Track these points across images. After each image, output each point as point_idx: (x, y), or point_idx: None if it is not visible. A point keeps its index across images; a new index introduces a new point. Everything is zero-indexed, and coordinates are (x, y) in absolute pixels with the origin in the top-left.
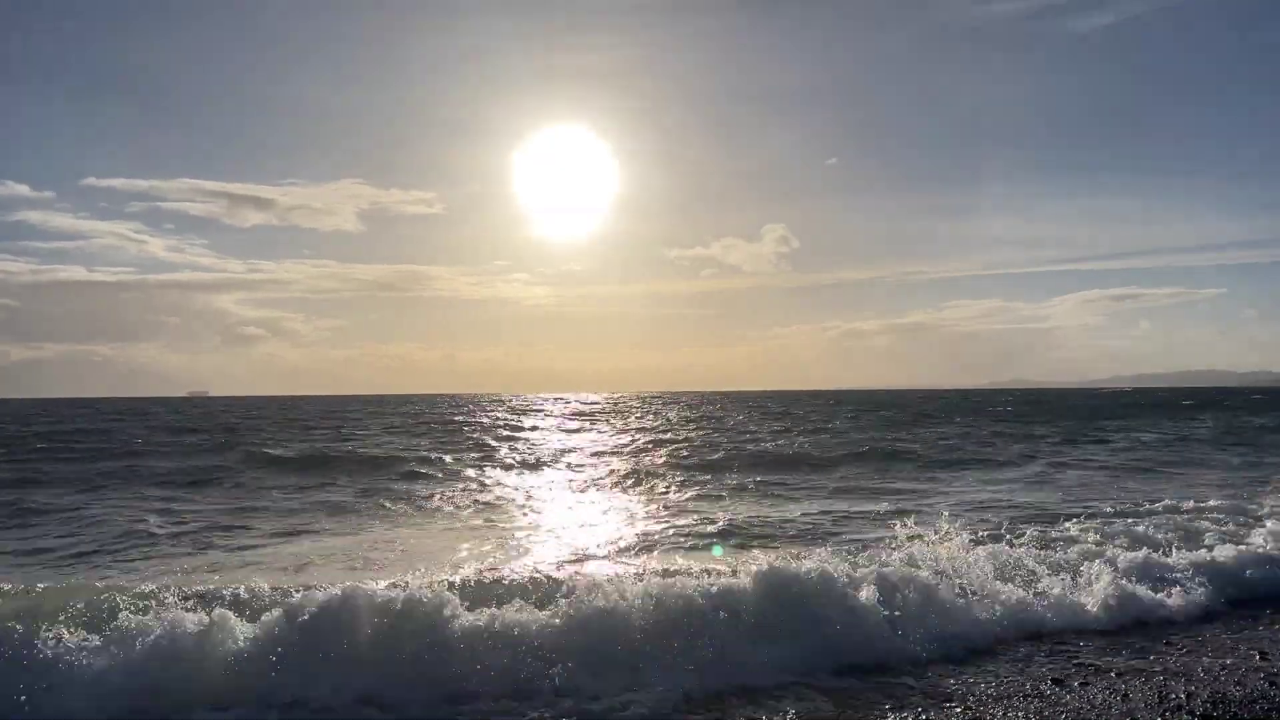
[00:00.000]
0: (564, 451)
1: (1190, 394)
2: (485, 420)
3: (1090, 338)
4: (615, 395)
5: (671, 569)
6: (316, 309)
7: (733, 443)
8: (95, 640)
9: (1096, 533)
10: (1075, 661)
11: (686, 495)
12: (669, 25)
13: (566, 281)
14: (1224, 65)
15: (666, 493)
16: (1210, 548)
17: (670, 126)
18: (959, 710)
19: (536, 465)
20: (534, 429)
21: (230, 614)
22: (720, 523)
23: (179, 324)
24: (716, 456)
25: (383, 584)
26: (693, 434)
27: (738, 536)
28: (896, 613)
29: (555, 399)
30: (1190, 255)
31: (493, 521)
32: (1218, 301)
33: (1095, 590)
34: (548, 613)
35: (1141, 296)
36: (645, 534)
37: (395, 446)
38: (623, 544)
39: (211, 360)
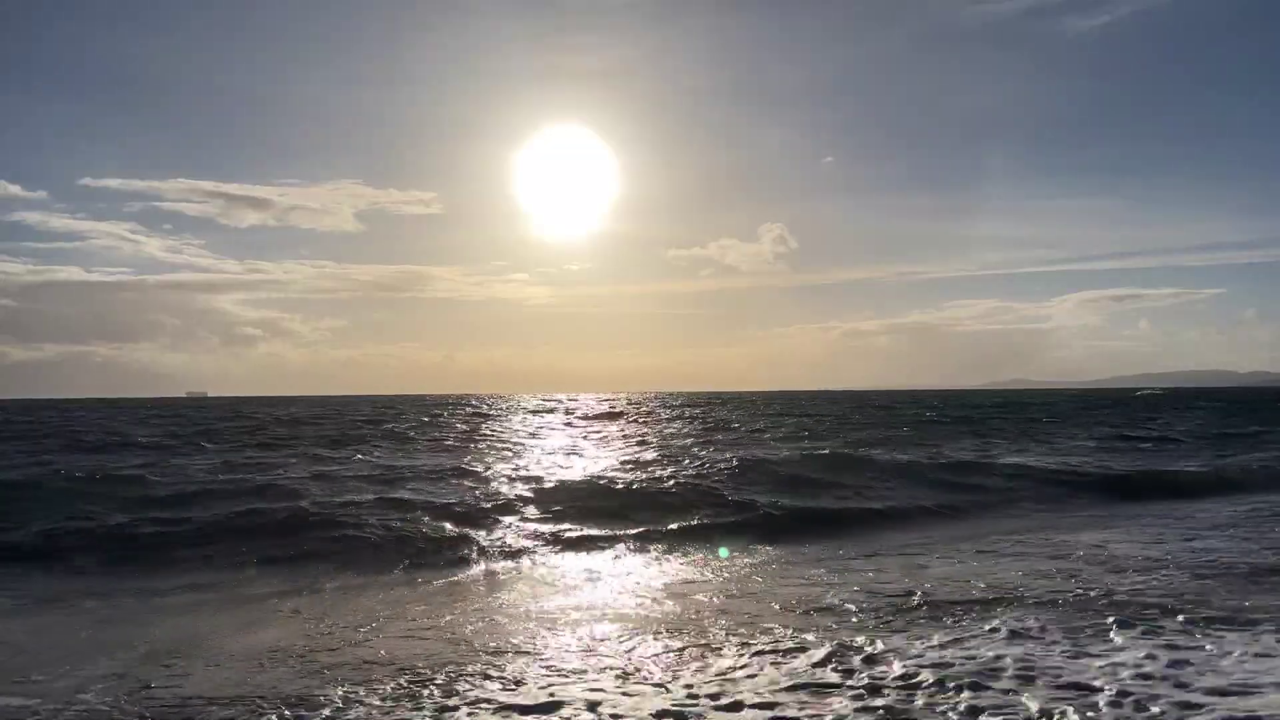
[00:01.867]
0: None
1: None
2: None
3: (1090, 338)
4: (615, 395)
5: None
6: (316, 309)
7: (756, 455)
8: None
9: None
10: None
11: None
12: (669, 25)
13: (566, 281)
14: (1224, 65)
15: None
16: None
17: (669, 126)
18: None
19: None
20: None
21: None
22: None
23: (178, 325)
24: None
25: None
26: (707, 444)
27: None
28: None
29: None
30: (1190, 255)
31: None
32: (1218, 301)
33: None
34: None
35: (1141, 296)
36: None
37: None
38: None
39: (211, 361)
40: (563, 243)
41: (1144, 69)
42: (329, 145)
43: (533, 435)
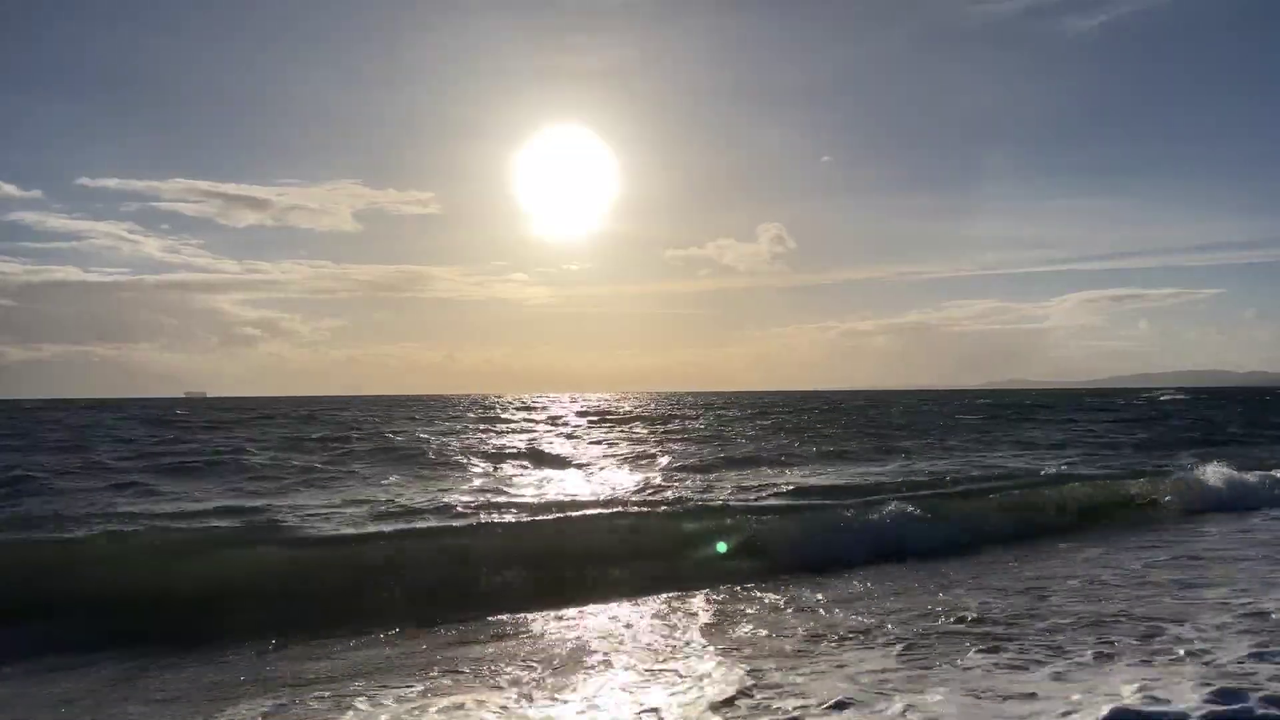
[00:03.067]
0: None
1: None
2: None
3: (1089, 338)
4: (614, 396)
5: None
6: (314, 309)
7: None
8: None
9: None
10: None
11: None
12: (669, 25)
13: (565, 281)
14: (1224, 64)
15: None
16: None
17: (669, 126)
18: None
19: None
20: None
21: None
22: None
23: (176, 325)
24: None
25: None
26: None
27: None
28: None
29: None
30: (1190, 255)
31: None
32: (1218, 301)
33: None
34: None
35: (1141, 296)
36: None
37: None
38: None
39: (209, 361)
40: (562, 243)
41: (1144, 69)
42: (328, 145)
43: (500, 435)
